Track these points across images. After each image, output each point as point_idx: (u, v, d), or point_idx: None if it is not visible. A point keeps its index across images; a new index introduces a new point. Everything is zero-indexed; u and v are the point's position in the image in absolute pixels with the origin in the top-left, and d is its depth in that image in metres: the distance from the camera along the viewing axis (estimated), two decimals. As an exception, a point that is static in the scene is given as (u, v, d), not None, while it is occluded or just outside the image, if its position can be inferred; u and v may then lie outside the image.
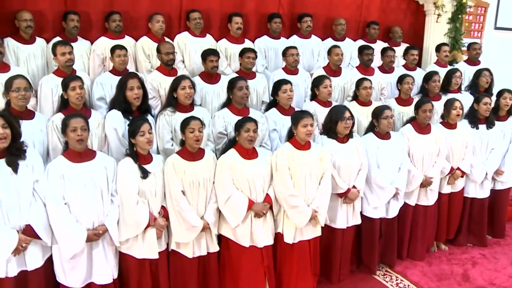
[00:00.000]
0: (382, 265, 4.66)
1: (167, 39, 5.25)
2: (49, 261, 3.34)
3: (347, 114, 4.02)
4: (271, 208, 3.82)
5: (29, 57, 4.63)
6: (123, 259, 3.56)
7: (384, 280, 4.44)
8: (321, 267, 4.20)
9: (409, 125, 4.62)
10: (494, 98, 5.20)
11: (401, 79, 5.05)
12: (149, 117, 3.98)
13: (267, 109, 4.58)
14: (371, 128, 4.41)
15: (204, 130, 3.96)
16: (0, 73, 3.96)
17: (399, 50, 6.28)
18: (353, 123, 4.13)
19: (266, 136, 4.32)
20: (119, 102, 3.87)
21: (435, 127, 4.72)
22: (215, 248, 3.79)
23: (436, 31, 6.51)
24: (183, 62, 5.31)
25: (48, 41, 4.78)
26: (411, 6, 6.73)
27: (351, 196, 4.09)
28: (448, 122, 4.75)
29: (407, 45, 6.26)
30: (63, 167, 3.27)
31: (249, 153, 3.75)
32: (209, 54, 4.72)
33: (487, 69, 5.58)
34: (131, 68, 5.10)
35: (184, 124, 3.60)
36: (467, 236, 5.14)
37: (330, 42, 6.06)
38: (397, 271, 4.58)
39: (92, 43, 5.05)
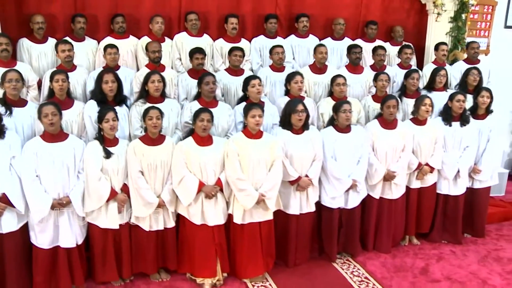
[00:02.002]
0: (345, 254, 4.84)
1: (167, 39, 5.79)
2: (26, 227, 3.95)
3: (300, 107, 4.30)
4: (221, 190, 4.18)
5: (41, 55, 5.31)
6: (90, 228, 4.12)
7: (341, 268, 4.62)
8: (277, 251, 4.49)
9: (375, 121, 4.79)
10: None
11: (376, 77, 5.21)
12: (124, 107, 4.52)
13: (238, 103, 4.91)
14: (331, 122, 4.64)
15: (171, 120, 4.46)
16: (6, 68, 4.63)
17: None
18: (308, 116, 4.40)
19: (232, 127, 4.69)
20: (96, 93, 4.43)
21: (403, 123, 4.84)
22: (171, 224, 4.25)
23: (437, 30, 6.48)
24: (180, 59, 5.81)
25: (58, 41, 5.47)
26: (415, 5, 6.70)
27: (302, 184, 4.36)
28: (417, 118, 4.85)
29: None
30: (37, 146, 3.87)
31: (204, 141, 4.15)
32: (195, 52, 5.16)
33: (476, 68, 5.56)
34: (133, 64, 5.71)
35: (145, 113, 4.09)
36: (441, 233, 5.17)
37: (328, 41, 6.28)
38: (358, 260, 4.74)
39: (99, 42, 5.68)
